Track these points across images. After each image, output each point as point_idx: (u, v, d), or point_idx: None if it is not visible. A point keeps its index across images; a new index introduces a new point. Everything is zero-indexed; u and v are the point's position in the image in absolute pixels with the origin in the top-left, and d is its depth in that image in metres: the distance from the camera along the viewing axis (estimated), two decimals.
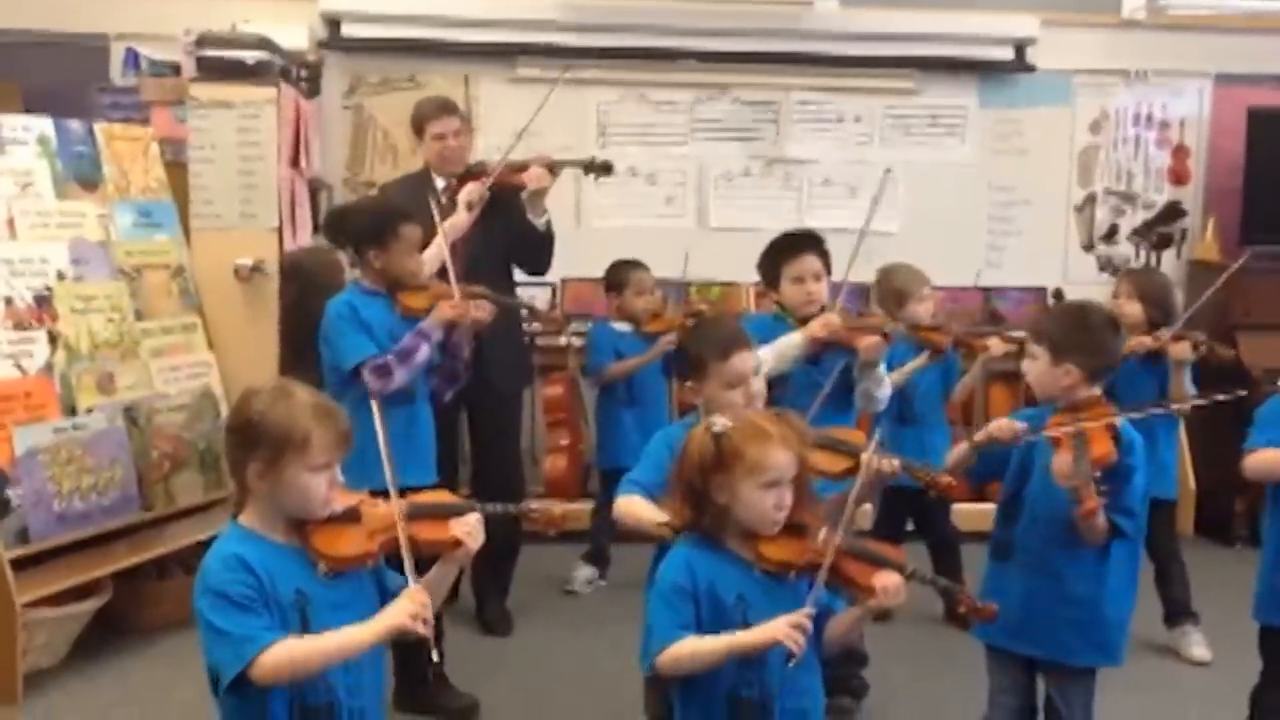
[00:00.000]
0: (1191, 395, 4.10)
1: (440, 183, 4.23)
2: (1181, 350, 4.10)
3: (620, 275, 4.90)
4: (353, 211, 3.70)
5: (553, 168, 4.22)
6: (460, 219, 3.93)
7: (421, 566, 2.20)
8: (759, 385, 2.66)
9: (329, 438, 2.09)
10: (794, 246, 3.44)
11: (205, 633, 2.02)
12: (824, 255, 3.43)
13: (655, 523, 2.43)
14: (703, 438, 2.19)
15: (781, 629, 2.05)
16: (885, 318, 4.45)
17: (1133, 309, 4.27)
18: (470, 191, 3.99)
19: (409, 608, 2.02)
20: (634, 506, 2.55)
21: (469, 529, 2.18)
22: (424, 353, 3.38)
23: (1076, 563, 2.74)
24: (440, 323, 3.41)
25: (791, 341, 3.26)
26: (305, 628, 2.05)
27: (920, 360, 4.35)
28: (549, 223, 4.29)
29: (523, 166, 4.18)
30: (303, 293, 3.91)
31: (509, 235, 4.23)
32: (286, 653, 1.98)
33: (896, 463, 2.58)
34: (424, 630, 2.02)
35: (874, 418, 4.47)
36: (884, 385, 3.45)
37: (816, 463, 2.42)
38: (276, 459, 2.06)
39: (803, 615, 2.06)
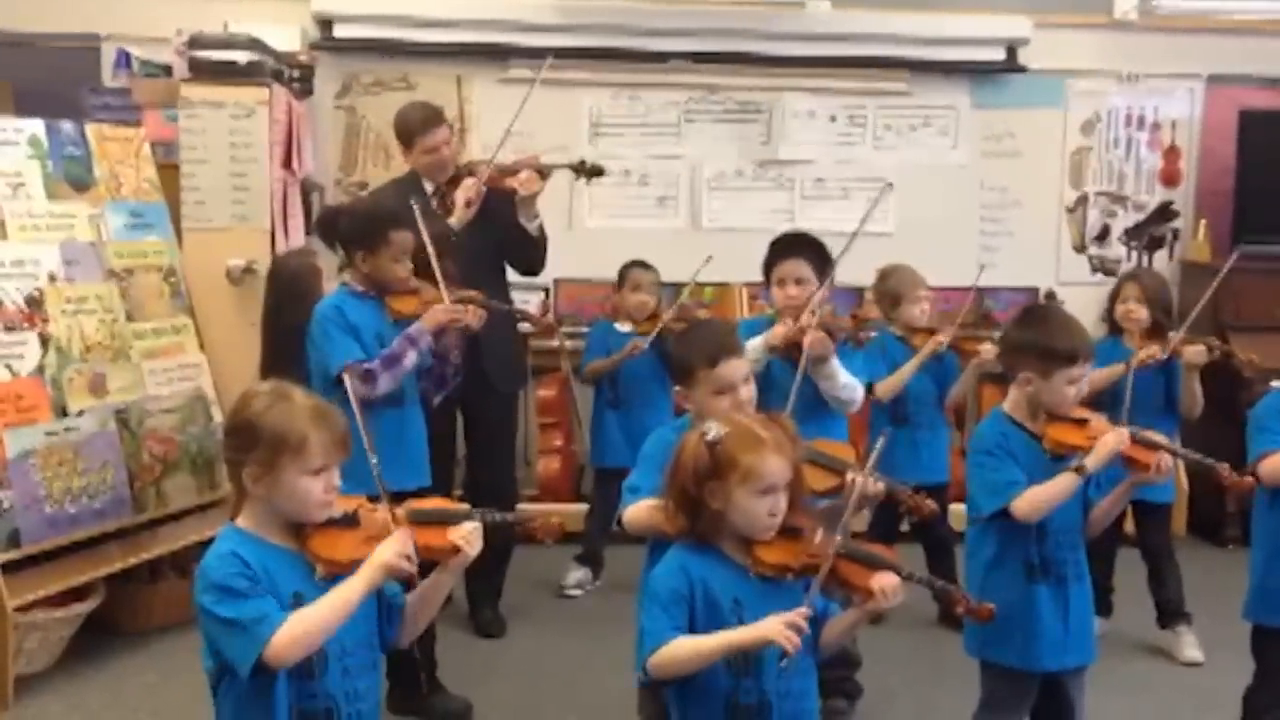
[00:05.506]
0: (1201, 400, 4.10)
1: (429, 187, 4.21)
2: (1196, 354, 4.03)
3: (622, 273, 4.92)
4: (345, 213, 3.65)
5: (542, 171, 4.19)
6: (464, 216, 4.00)
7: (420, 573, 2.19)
8: (748, 392, 2.60)
9: (326, 441, 2.09)
10: (779, 249, 3.42)
11: (213, 628, 2.00)
12: (816, 258, 3.38)
13: (652, 507, 2.39)
14: (697, 445, 2.18)
15: (776, 627, 2.03)
16: (879, 318, 4.47)
17: (1142, 314, 4.20)
18: (468, 188, 3.99)
19: (394, 547, 2.01)
20: (639, 513, 2.50)
21: (467, 536, 2.16)
22: (411, 358, 3.33)
23: (1087, 560, 2.80)
24: (432, 327, 3.37)
25: (752, 344, 3.22)
26: None
27: (913, 364, 4.33)
28: (541, 225, 4.27)
29: (513, 170, 4.16)
30: (280, 298, 3.91)
31: (502, 237, 4.21)
32: (297, 625, 1.96)
33: (881, 486, 2.55)
34: (410, 567, 2.02)
35: (869, 429, 4.48)
36: (842, 384, 3.28)
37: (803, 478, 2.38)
38: (273, 461, 2.05)
39: (798, 614, 2.05)
